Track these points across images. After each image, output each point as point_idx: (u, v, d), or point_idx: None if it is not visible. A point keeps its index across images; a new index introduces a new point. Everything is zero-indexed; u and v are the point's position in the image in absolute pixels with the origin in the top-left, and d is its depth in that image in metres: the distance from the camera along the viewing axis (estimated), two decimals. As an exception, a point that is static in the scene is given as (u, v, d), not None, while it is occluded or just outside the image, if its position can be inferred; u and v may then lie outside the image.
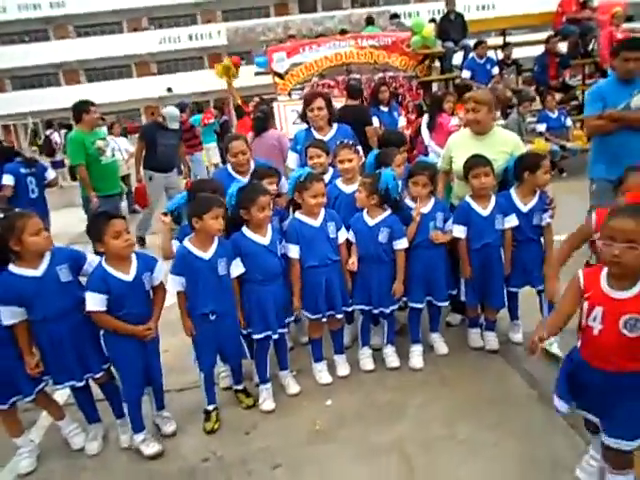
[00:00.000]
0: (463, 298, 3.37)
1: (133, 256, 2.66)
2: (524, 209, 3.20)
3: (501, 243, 3.22)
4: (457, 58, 9.38)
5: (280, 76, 9.27)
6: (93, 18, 30.30)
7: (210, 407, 2.96)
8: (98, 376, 2.76)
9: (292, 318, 3.18)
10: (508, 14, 13.97)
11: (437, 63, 9.74)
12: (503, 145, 3.31)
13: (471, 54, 8.69)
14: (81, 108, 5.27)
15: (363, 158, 3.53)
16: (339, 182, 3.43)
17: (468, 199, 3.23)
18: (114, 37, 30.35)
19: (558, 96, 8.99)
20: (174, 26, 31.27)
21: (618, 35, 8.87)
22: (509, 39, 9.85)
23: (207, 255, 2.76)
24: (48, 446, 2.94)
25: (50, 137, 13.81)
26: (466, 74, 8.49)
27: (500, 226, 3.18)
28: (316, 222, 3.07)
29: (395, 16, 10.29)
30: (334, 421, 2.87)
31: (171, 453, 2.77)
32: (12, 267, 2.52)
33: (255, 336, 2.96)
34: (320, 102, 3.73)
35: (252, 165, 3.53)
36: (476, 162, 3.14)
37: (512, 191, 3.26)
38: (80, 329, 2.62)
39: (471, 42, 8.83)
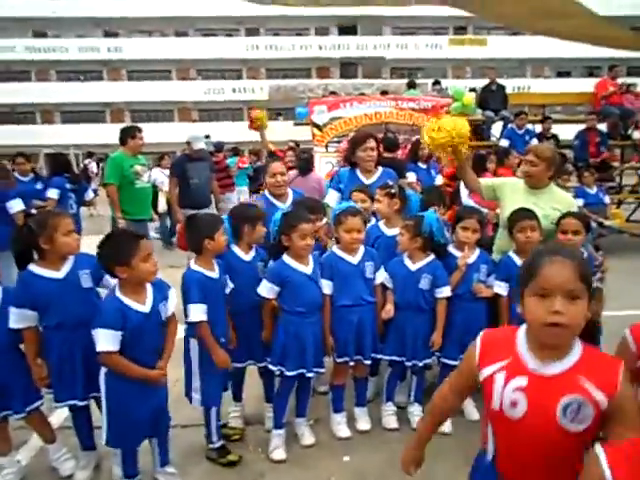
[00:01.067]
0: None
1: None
2: None
3: None
4: (496, 128, 9.45)
5: (319, 128, 9.44)
6: (145, 64, 32.08)
7: (222, 442, 2.73)
8: None
9: (327, 358, 2.93)
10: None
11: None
12: (557, 203, 3.13)
13: (510, 124, 8.73)
14: (128, 132, 5.36)
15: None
16: (381, 224, 3.30)
17: (512, 254, 3.04)
18: (163, 83, 31.96)
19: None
20: (220, 78, 32.85)
21: (660, 120, 8.88)
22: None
23: (216, 274, 2.64)
24: (36, 470, 2.69)
25: (88, 166, 14.23)
26: (504, 143, 8.47)
27: None
28: (354, 259, 2.89)
29: (437, 82, 10.54)
30: (353, 479, 2.58)
31: (167, 495, 2.50)
32: (33, 267, 2.40)
33: (288, 373, 2.73)
34: (373, 143, 3.62)
35: (290, 193, 3.46)
36: (523, 215, 2.96)
37: None
38: (92, 342, 2.43)
39: (511, 114, 8.92)
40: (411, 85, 10.51)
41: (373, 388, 3.36)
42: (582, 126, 9.04)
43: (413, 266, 2.97)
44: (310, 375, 2.78)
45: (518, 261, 2.99)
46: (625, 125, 9.51)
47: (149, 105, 31.22)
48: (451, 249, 3.08)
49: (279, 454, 2.75)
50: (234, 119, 31.49)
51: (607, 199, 8.15)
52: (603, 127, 9.36)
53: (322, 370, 2.87)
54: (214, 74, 33.11)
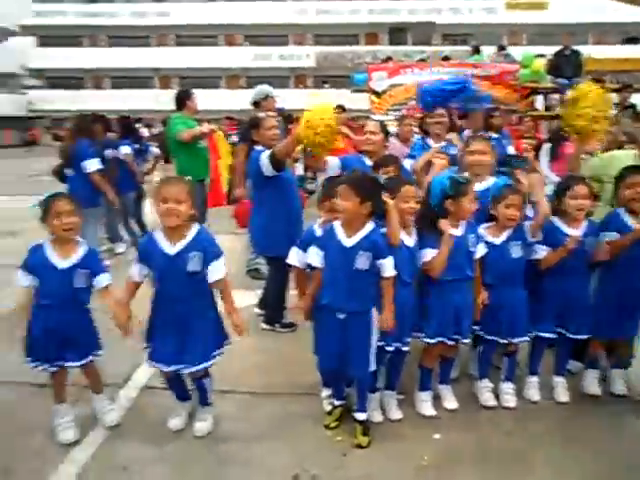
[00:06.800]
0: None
1: None
2: None
3: None
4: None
5: (377, 95, 9.13)
6: (193, 29, 31.94)
7: (338, 402, 2.73)
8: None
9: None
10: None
11: (539, 100, 9.36)
12: None
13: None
14: (184, 95, 5.38)
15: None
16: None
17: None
18: (210, 49, 31.80)
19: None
20: (266, 44, 32.36)
21: None
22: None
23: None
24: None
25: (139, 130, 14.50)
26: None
27: None
28: (457, 231, 2.68)
29: (502, 48, 9.94)
30: (446, 458, 2.47)
31: (257, 463, 2.46)
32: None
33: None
34: (441, 110, 3.83)
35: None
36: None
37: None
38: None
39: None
40: (476, 50, 9.99)
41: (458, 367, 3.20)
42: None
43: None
44: (389, 349, 2.64)
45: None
46: None
47: (197, 72, 31.17)
48: (556, 221, 2.84)
49: (376, 416, 2.73)
50: (280, 86, 31.15)
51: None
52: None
53: (406, 349, 2.72)
54: (261, 40, 32.63)
